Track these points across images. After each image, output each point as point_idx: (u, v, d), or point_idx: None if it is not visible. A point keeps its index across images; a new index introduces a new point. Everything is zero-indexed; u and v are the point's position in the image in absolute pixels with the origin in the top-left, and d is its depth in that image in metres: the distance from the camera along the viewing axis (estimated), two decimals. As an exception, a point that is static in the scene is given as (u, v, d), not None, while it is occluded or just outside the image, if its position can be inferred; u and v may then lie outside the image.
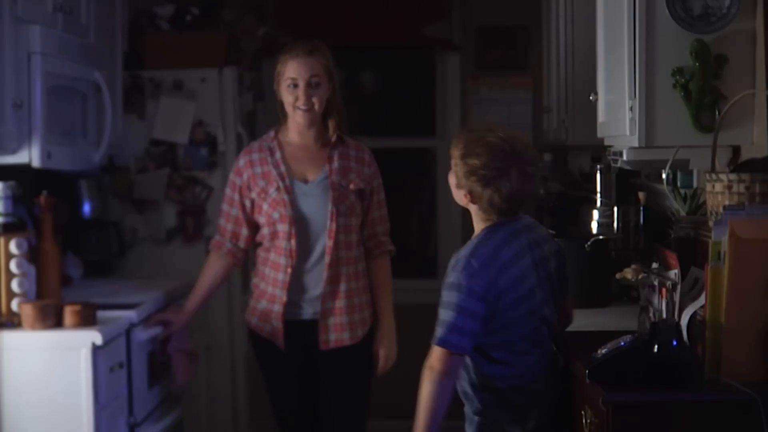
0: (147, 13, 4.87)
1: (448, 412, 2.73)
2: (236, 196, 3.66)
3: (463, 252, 2.75)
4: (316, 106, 3.58)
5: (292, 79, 3.57)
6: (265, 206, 3.60)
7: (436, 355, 2.70)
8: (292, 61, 3.58)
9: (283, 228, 3.56)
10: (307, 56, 3.58)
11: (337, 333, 3.61)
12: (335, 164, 3.63)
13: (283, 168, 3.61)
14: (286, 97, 3.59)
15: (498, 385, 2.78)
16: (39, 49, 3.44)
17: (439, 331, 2.70)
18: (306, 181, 3.61)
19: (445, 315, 2.70)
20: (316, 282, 3.59)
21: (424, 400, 2.70)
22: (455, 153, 2.77)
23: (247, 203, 3.64)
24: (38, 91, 3.46)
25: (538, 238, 2.83)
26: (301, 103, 3.57)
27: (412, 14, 5.73)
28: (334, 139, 3.64)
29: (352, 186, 3.63)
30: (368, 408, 3.71)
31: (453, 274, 2.71)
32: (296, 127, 3.64)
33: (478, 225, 2.83)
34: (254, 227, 3.67)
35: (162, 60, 4.71)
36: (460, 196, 2.80)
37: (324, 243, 3.57)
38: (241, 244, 3.69)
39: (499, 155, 2.70)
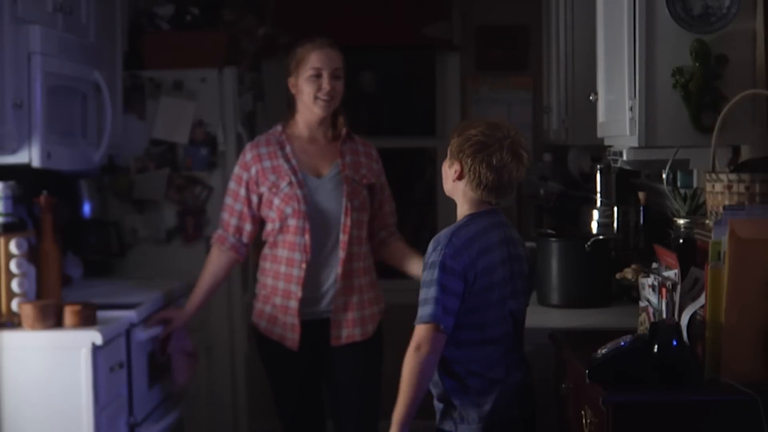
0: (147, 13, 4.87)
1: (419, 411, 2.75)
2: (242, 191, 3.63)
3: (445, 232, 2.80)
4: (337, 98, 3.58)
5: (316, 69, 3.55)
6: (276, 201, 3.56)
7: (423, 334, 2.71)
8: (316, 51, 3.56)
9: (295, 223, 3.53)
10: (330, 48, 3.58)
11: (349, 329, 3.60)
12: (347, 159, 3.62)
13: (294, 162, 3.59)
14: (307, 87, 3.56)
15: (457, 369, 2.80)
16: (39, 49, 3.44)
17: (426, 309, 2.71)
18: (319, 176, 3.59)
19: (429, 293, 2.72)
20: (328, 277, 3.57)
21: (408, 378, 2.72)
22: (454, 134, 2.87)
23: (254, 198, 3.61)
24: (38, 91, 3.46)
25: (513, 237, 2.90)
26: (324, 93, 3.55)
27: (412, 14, 5.73)
28: (344, 133, 3.64)
29: (365, 181, 3.62)
30: (381, 404, 3.68)
31: (434, 253, 2.76)
32: (307, 122, 3.62)
33: (462, 212, 2.87)
34: (258, 222, 3.65)
35: (162, 60, 4.71)
36: (448, 177, 2.88)
37: (336, 238, 3.55)
38: (245, 239, 3.67)
39: (497, 129, 2.81)
